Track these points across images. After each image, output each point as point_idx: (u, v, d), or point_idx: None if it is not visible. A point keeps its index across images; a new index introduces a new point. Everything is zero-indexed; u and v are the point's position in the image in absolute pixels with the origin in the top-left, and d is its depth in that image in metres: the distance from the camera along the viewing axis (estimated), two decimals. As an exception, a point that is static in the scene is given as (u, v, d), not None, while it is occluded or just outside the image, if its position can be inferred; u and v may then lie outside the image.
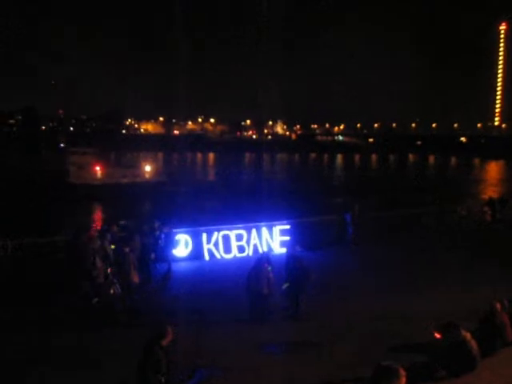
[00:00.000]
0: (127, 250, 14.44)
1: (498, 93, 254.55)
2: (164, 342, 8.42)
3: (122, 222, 16.98)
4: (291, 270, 14.00)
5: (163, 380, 8.26)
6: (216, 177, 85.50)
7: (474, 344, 9.45)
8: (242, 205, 40.10)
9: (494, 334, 10.42)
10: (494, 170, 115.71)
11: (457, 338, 9.38)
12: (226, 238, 20.12)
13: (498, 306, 10.78)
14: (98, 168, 56.18)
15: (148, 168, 60.75)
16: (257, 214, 26.57)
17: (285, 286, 14.09)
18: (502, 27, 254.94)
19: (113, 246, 15.79)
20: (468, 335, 9.49)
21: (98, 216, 42.04)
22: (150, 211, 41.22)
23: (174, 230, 19.17)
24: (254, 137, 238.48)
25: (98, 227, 29.83)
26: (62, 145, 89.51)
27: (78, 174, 54.63)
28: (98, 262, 14.35)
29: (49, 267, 17.33)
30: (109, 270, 14.67)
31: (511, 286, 14.72)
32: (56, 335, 12.31)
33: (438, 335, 9.73)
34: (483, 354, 9.70)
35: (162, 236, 17.73)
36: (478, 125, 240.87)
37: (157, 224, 17.75)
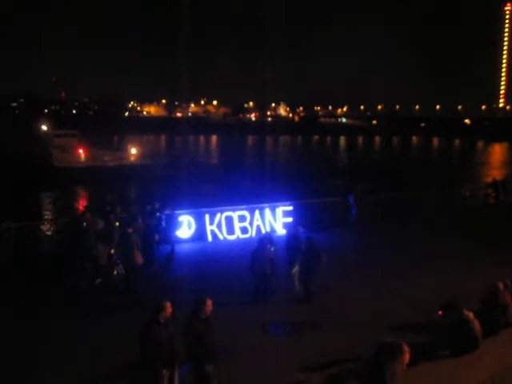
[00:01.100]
0: (130, 230, 14.45)
1: (503, 74, 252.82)
2: (161, 318, 8.14)
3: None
4: (292, 251, 14.05)
5: (167, 357, 8.08)
6: (218, 159, 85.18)
7: (476, 324, 9.47)
8: (243, 187, 40.04)
9: (496, 313, 10.43)
10: (497, 152, 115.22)
11: (459, 317, 9.40)
12: (229, 220, 20.12)
13: (501, 286, 10.77)
14: (81, 151, 55.13)
15: (134, 151, 59.55)
16: (259, 195, 26.54)
17: (294, 270, 14.08)
18: (507, 8, 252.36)
19: (117, 224, 15.83)
20: (470, 315, 9.52)
21: (83, 199, 41.82)
22: (135, 194, 41.07)
23: (177, 212, 19.16)
24: (253, 119, 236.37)
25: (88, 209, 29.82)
26: (44, 127, 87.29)
27: (61, 157, 53.15)
28: (101, 244, 14.37)
29: (52, 249, 17.40)
30: (112, 251, 14.70)
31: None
32: (59, 316, 12.35)
33: (440, 312, 9.77)
34: (486, 333, 9.73)
35: (163, 217, 17.71)
36: (483, 107, 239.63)
37: (157, 205, 17.72)
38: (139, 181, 45.33)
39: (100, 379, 9.59)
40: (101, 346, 10.78)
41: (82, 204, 38.15)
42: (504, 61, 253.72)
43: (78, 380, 9.52)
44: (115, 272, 14.67)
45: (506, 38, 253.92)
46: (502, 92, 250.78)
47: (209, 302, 8.56)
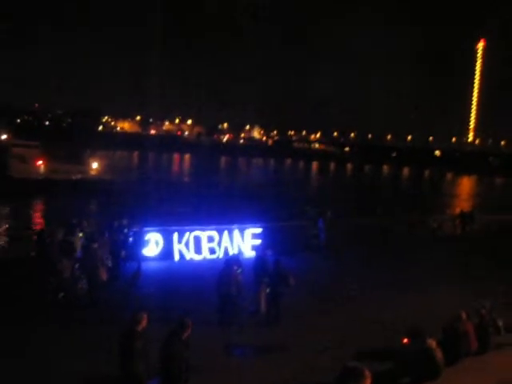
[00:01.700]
0: (95, 245, 14.24)
1: (473, 109, 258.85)
2: (139, 328, 8.29)
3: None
4: (260, 273, 14.03)
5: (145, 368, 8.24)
6: (189, 178, 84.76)
7: (438, 352, 9.53)
8: (213, 207, 39.80)
9: (457, 342, 10.51)
10: (466, 184, 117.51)
11: (422, 345, 9.44)
12: (197, 239, 19.96)
13: (464, 315, 10.89)
14: (40, 162, 53.83)
15: (95, 165, 58.79)
16: (229, 216, 26.44)
17: (265, 290, 14.02)
18: (480, 44, 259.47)
19: (81, 234, 15.63)
20: (433, 343, 9.57)
21: (40, 211, 41.02)
22: (95, 209, 40.58)
23: (145, 229, 18.95)
24: (225, 140, 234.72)
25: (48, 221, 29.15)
26: (3, 136, 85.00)
27: (20, 168, 50.99)
28: (64, 257, 14.13)
29: (16, 261, 17.04)
30: (76, 266, 14.45)
31: (479, 294, 14.93)
32: (21, 331, 12.02)
33: (405, 340, 9.80)
34: (447, 362, 9.78)
35: (131, 234, 17.52)
36: (453, 139, 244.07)
37: (125, 221, 17.53)
38: (99, 195, 44.62)
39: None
40: (61, 361, 10.50)
41: (39, 216, 37.45)
42: (474, 96, 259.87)
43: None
44: (79, 286, 14.40)
45: (477, 73, 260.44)
46: (471, 126, 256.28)
47: (190, 324, 8.60)
